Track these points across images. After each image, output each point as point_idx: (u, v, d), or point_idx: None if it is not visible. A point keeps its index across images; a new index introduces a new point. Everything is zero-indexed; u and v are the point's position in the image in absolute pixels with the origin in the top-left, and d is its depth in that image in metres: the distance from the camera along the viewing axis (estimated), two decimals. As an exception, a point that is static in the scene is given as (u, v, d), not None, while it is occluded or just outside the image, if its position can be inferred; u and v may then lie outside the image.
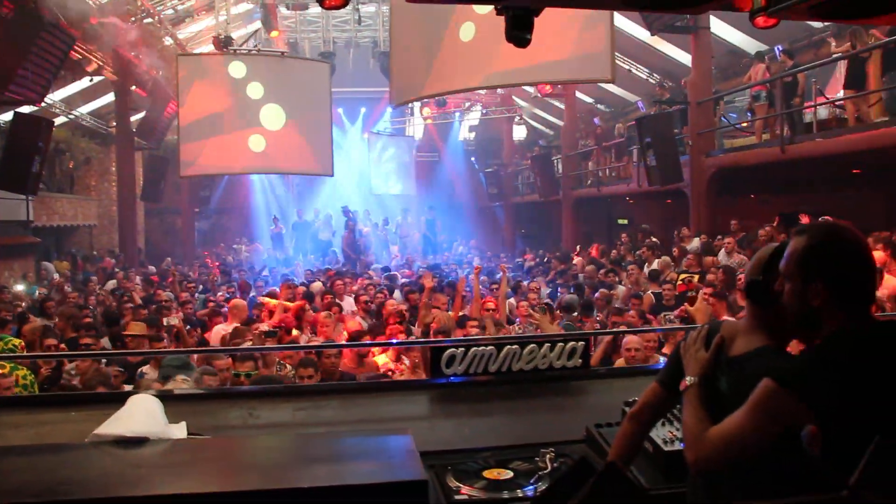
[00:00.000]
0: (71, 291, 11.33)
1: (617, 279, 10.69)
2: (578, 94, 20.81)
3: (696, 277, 8.96)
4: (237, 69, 15.00)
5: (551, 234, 20.68)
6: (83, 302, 10.49)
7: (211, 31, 17.00)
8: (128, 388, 4.99)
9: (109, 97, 19.06)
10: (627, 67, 18.92)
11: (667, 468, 2.61)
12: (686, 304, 5.35)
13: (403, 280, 11.80)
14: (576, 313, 7.64)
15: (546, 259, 15.39)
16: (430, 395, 3.47)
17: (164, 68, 16.76)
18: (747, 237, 10.99)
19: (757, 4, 2.72)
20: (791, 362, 1.89)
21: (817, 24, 13.67)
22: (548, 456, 2.74)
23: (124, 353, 6.35)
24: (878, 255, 7.70)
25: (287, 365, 5.60)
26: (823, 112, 11.19)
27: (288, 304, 8.13)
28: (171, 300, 9.60)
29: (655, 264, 10.89)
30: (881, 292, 6.80)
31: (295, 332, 7.26)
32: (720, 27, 14.79)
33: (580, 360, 3.50)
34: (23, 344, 6.56)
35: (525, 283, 10.34)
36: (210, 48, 15.82)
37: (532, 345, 3.46)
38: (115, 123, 19.33)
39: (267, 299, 8.81)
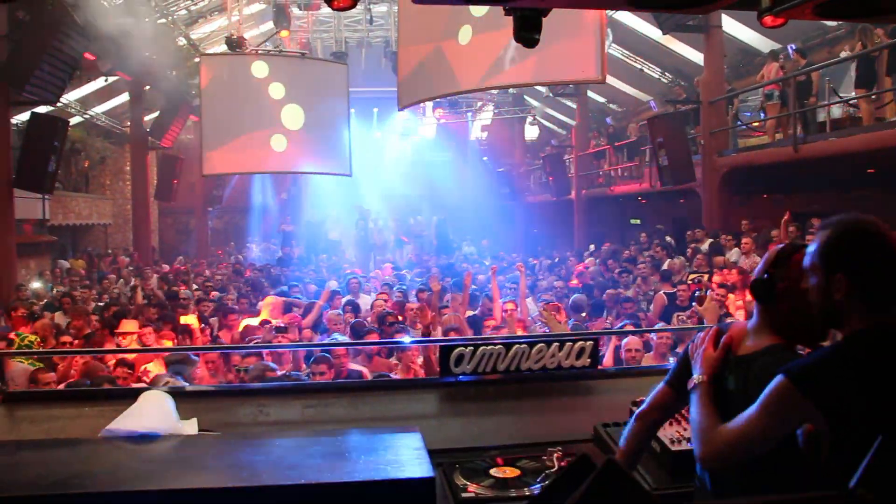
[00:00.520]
0: (86, 289, 11.43)
1: (630, 278, 10.66)
2: (591, 94, 20.78)
3: (707, 277, 8.94)
4: (259, 69, 15.13)
5: (563, 233, 20.63)
6: (99, 300, 10.59)
7: (224, 32, 17.10)
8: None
9: (124, 97, 19.21)
10: (640, 67, 18.88)
11: (674, 468, 2.62)
12: (695, 303, 5.35)
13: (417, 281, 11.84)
14: (584, 313, 7.65)
15: (558, 259, 15.38)
16: (439, 393, 3.49)
17: (178, 68, 16.87)
18: (760, 237, 10.94)
19: (764, 4, 2.73)
20: (806, 360, 1.87)
21: (831, 23, 13.58)
22: (555, 455, 2.76)
23: (134, 350, 6.41)
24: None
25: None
26: (837, 111, 11.13)
27: None
28: (189, 298, 9.69)
29: (667, 264, 10.87)
30: None
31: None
32: (732, 26, 14.72)
33: (588, 360, 3.50)
34: (38, 340, 6.64)
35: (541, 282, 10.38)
36: (223, 48, 15.90)
37: (540, 344, 3.47)
38: (129, 123, 19.48)
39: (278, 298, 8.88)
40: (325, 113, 15.77)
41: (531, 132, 24.66)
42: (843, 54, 11.23)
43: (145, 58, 14.65)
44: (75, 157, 19.29)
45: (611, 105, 22.79)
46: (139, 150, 18.76)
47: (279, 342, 6.27)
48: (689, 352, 2.26)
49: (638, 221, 20.32)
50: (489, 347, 3.42)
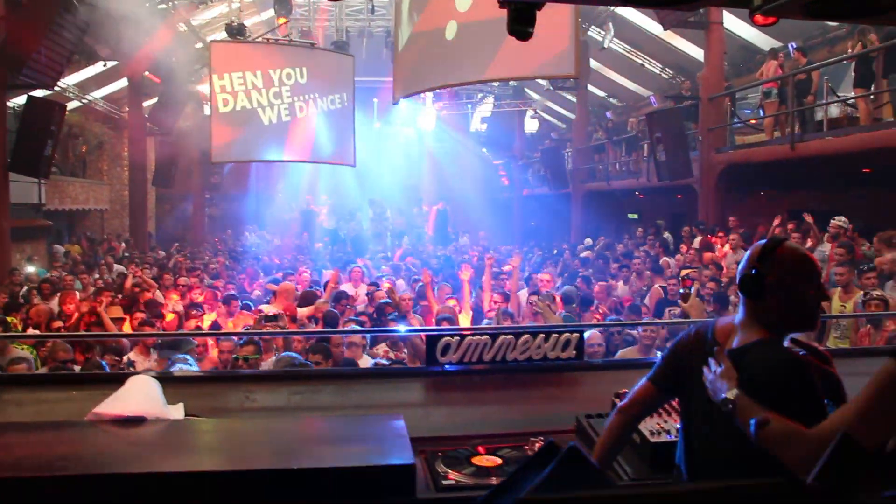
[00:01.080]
0: (82, 274, 11.43)
1: (627, 273, 10.69)
2: (591, 88, 20.78)
3: (700, 273, 8.96)
4: (268, 58, 15.23)
5: (561, 227, 20.65)
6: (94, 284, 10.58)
7: (224, 18, 17.07)
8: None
9: (122, 82, 19.16)
10: (640, 62, 18.88)
11: (653, 459, 2.65)
12: (680, 300, 5.36)
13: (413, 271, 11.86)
14: (574, 304, 7.69)
15: (556, 252, 15.42)
16: (425, 382, 3.52)
17: (178, 55, 16.83)
18: (748, 234, 10.98)
19: (755, 2, 2.74)
20: None
21: (832, 23, 13.58)
22: (537, 444, 2.79)
23: (126, 334, 6.43)
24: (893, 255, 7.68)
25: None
26: (835, 110, 11.15)
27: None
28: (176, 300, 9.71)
29: (662, 262, 10.90)
30: None
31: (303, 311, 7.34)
32: (733, 22, 14.71)
33: (574, 352, 3.53)
34: (15, 322, 6.67)
35: (537, 274, 10.39)
36: (223, 35, 15.89)
37: (526, 335, 3.50)
38: (127, 109, 19.45)
39: (272, 286, 8.90)
40: (333, 103, 16.00)
41: (531, 125, 24.64)
42: (846, 53, 11.24)
43: (145, 43, 14.63)
44: (73, 142, 19.28)
45: (611, 99, 22.79)
46: (137, 136, 18.73)
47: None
48: (676, 353, 2.29)
49: (635, 216, 20.35)
50: (475, 338, 3.45)
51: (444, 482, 2.50)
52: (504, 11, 3.01)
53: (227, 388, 3.41)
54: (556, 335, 3.52)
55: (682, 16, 12.58)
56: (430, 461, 2.65)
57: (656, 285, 9.16)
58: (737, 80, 15.75)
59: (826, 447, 1.65)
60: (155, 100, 18.62)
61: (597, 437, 2.88)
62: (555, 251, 15.59)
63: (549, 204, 21.91)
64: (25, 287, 10.29)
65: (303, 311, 7.36)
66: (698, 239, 11.62)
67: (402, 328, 6.49)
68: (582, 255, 13.48)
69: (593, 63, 19.56)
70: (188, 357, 4.89)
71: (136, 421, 2.57)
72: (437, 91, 19.53)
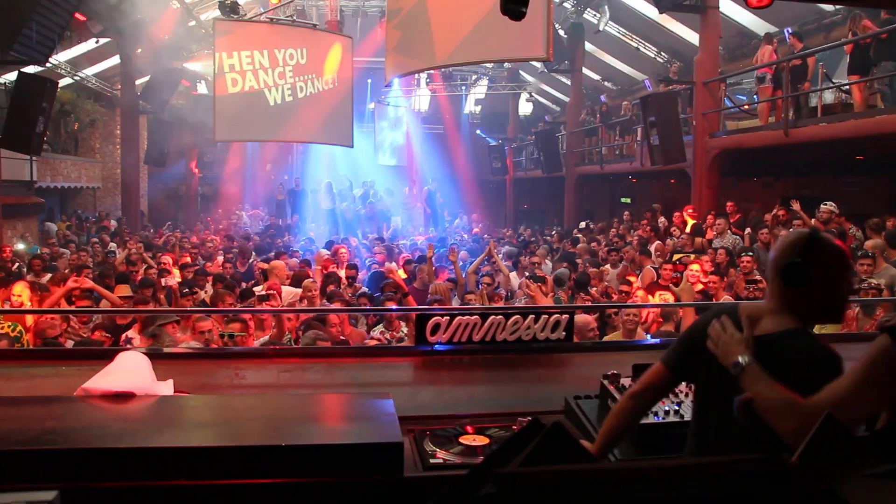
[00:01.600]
0: (74, 252, 11.40)
1: (618, 256, 10.72)
2: (585, 71, 20.70)
3: (693, 257, 9.00)
4: (272, 38, 15.21)
5: (553, 210, 20.67)
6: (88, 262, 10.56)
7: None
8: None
9: (115, 60, 19.00)
10: (636, 46, 18.80)
11: (639, 441, 2.67)
12: (671, 285, 5.37)
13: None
14: (566, 287, 7.72)
15: (550, 234, 15.48)
16: (415, 362, 3.53)
17: (171, 32, 16.70)
18: (745, 219, 11.01)
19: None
20: None
21: (828, 8, 13.56)
22: (525, 424, 2.80)
23: (113, 311, 6.42)
24: (877, 242, 7.72)
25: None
26: (829, 96, 11.14)
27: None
28: (170, 263, 9.70)
29: (656, 244, 10.94)
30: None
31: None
32: (729, 7, 14.66)
33: (564, 333, 3.54)
34: (21, 302, 6.62)
35: (525, 258, 10.42)
36: (216, 14, 15.77)
37: (516, 316, 3.51)
38: (119, 86, 19.30)
39: (263, 264, 8.91)
40: (332, 84, 16.00)
41: (525, 107, 24.58)
42: (841, 40, 11.23)
43: (137, 20, 14.49)
44: (65, 120, 19.13)
45: (606, 83, 22.72)
46: (130, 114, 18.60)
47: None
48: (694, 337, 2.25)
49: (628, 200, 20.37)
50: (465, 318, 3.45)
51: (432, 461, 2.51)
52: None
53: (216, 366, 3.42)
54: (546, 316, 3.52)
55: (678, -1, 12.58)
56: (418, 440, 2.66)
57: (647, 266, 9.19)
58: (732, 64, 15.73)
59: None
60: (147, 77, 18.47)
61: (585, 417, 2.90)
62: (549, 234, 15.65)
63: (542, 187, 21.92)
64: (17, 264, 10.24)
65: (287, 292, 7.36)
66: (689, 224, 11.66)
67: (391, 307, 6.49)
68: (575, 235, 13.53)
69: (588, 46, 19.50)
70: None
71: (126, 397, 2.57)
72: (431, 72, 19.51)
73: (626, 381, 2.96)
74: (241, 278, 9.11)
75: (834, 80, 11.17)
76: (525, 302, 6.65)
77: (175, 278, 8.72)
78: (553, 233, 15.69)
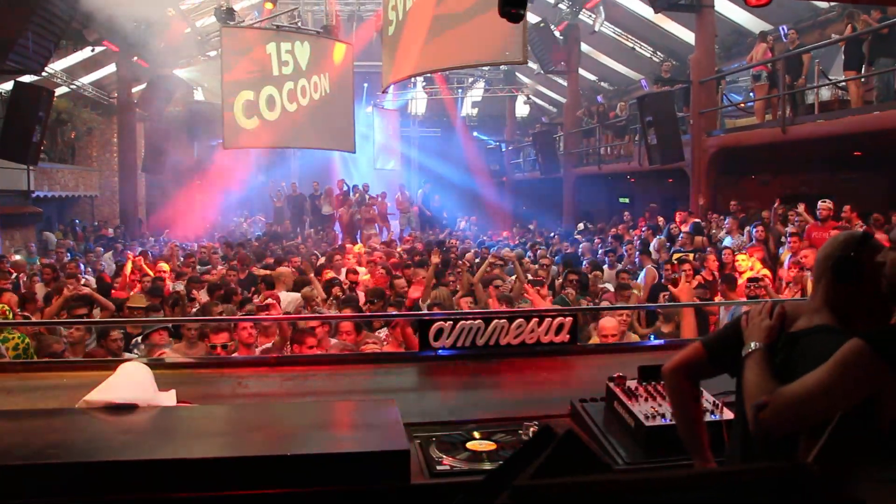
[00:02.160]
0: (69, 261, 11.35)
1: (616, 257, 10.72)
2: (582, 72, 20.71)
3: (692, 256, 8.98)
4: (278, 45, 15.37)
5: (552, 211, 20.64)
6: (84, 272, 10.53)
7: (213, 2, 16.90)
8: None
9: (111, 68, 18.99)
10: (631, 46, 18.82)
11: (647, 444, 2.64)
12: (670, 285, 5.35)
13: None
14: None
15: (552, 235, 15.47)
16: (418, 367, 3.51)
17: (167, 39, 16.69)
18: (749, 218, 11.01)
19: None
20: (884, 329, 1.85)
21: (823, 5, 13.57)
22: (531, 429, 2.77)
23: (108, 322, 6.38)
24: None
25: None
26: (826, 93, 11.14)
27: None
28: (167, 271, 9.68)
29: (655, 243, 10.93)
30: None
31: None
32: (725, 6, 14.68)
33: (567, 336, 3.52)
34: (3, 309, 6.59)
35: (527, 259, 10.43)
36: (212, 21, 15.78)
37: (520, 319, 3.49)
38: (116, 94, 19.28)
39: (262, 271, 8.88)
40: (334, 90, 16.21)
41: (522, 109, 24.59)
42: (835, 36, 11.24)
43: (133, 28, 14.49)
44: (61, 128, 19.09)
45: (602, 83, 22.73)
46: (126, 122, 18.59)
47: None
48: (741, 324, 2.20)
49: (627, 200, 20.35)
50: (468, 322, 3.43)
51: (439, 467, 2.49)
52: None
53: (218, 375, 3.39)
54: (550, 319, 3.50)
55: (673, -1, 12.59)
56: (424, 446, 2.64)
57: (649, 265, 9.18)
58: (728, 63, 15.73)
59: (788, 409, 1.77)
60: (144, 85, 18.46)
61: (591, 421, 2.88)
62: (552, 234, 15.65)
63: (540, 188, 21.89)
64: (15, 275, 10.20)
65: (286, 298, 7.33)
66: (690, 222, 11.65)
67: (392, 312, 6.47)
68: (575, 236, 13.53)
69: (584, 47, 19.50)
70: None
71: (128, 408, 2.55)
72: (427, 76, 19.59)
73: (631, 384, 2.94)
74: (240, 286, 9.08)
75: (830, 77, 11.17)
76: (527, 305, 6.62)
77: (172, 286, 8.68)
78: (553, 235, 15.67)
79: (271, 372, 3.44)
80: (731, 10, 15.13)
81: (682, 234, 10.49)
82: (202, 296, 8.14)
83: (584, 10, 17.83)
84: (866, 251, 2.03)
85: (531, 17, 16.45)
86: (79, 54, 17.56)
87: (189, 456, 2.21)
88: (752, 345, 2.05)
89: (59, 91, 16.72)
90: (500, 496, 1.01)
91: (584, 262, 10.12)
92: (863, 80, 10.25)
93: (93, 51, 17.01)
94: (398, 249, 12.73)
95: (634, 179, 18.76)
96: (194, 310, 7.46)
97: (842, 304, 2.06)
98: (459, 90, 24.69)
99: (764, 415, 1.81)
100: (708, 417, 2.55)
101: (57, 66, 17.20)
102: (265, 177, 23.94)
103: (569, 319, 3.53)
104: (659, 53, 18.69)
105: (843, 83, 10.70)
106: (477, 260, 10.65)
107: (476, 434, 2.78)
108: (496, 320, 3.48)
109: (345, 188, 20.85)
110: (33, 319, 6.82)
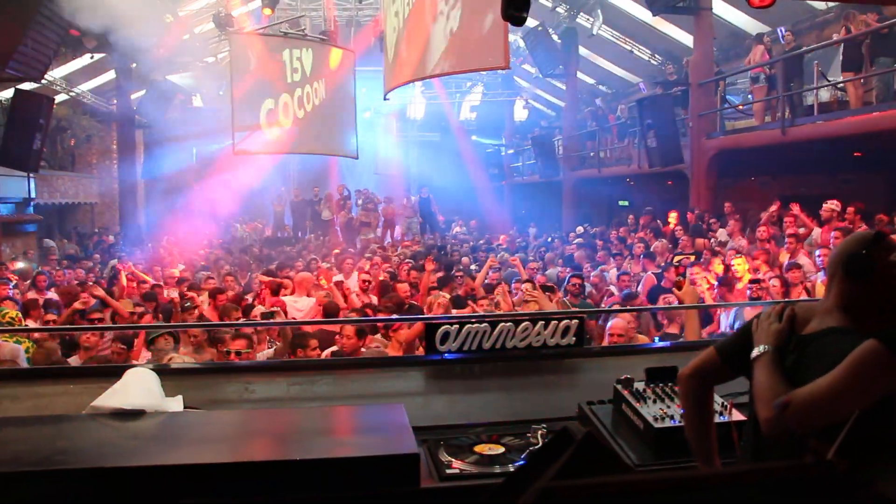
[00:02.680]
0: (71, 268, 11.36)
1: (615, 260, 10.71)
2: (580, 75, 20.73)
3: (693, 258, 8.97)
4: (284, 51, 15.47)
5: (552, 215, 20.64)
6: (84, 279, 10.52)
7: (211, 10, 16.95)
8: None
9: (110, 75, 18.99)
10: (629, 48, 18.83)
11: (657, 445, 2.64)
12: (674, 288, 5.34)
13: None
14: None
15: (552, 239, 15.46)
16: (425, 371, 3.50)
17: (165, 46, 16.68)
18: (745, 219, 11.00)
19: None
20: None
21: (821, 6, 13.59)
22: (539, 432, 2.77)
23: (115, 327, 6.40)
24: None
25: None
26: (825, 94, 11.15)
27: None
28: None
29: (654, 247, 10.91)
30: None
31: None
32: (722, 8, 14.69)
33: (574, 339, 3.52)
34: (20, 316, 6.59)
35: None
36: (210, 27, 15.79)
37: (526, 322, 3.48)
38: (115, 101, 19.28)
39: (265, 278, 8.84)
40: (337, 96, 16.29)
41: (520, 113, 24.60)
42: (836, 37, 11.24)
43: (131, 34, 14.48)
44: (61, 135, 19.09)
45: (600, 86, 22.74)
46: (126, 128, 18.59)
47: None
48: (752, 327, 2.20)
49: (626, 203, 20.34)
50: (475, 325, 3.43)
51: (448, 471, 2.48)
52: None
53: (225, 380, 3.38)
54: (556, 322, 3.50)
55: (670, 1, 12.59)
56: (433, 450, 2.64)
57: (649, 272, 9.16)
58: (726, 65, 15.74)
59: (808, 409, 1.75)
60: (143, 92, 18.46)
61: (600, 423, 2.87)
62: (550, 238, 15.64)
63: (539, 192, 21.90)
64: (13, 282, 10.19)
65: (296, 305, 7.33)
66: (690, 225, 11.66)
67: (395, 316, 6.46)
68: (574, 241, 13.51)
69: (582, 50, 19.52)
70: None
71: (135, 414, 2.55)
72: (426, 80, 19.60)
73: (639, 386, 2.93)
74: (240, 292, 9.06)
75: (829, 78, 11.18)
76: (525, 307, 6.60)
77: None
78: (552, 238, 15.67)
79: (277, 377, 3.43)
80: (729, 12, 15.14)
81: (682, 237, 10.49)
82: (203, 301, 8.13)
83: (581, 13, 17.85)
84: (879, 249, 2.02)
85: (529, 22, 16.44)
86: (78, 61, 17.56)
87: (198, 461, 2.20)
88: (761, 348, 2.04)
89: (58, 98, 16.71)
90: (521, 498, 1.00)
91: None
92: (861, 81, 10.26)
93: (91, 58, 17.02)
94: (395, 255, 12.70)
95: (634, 182, 18.76)
96: (195, 316, 7.46)
97: (854, 303, 2.05)
98: (458, 94, 24.72)
99: (787, 413, 1.80)
100: (717, 419, 2.54)
101: (56, 73, 17.18)
102: (264, 182, 23.95)
103: (575, 322, 3.52)
104: (657, 56, 18.71)
105: (842, 84, 10.71)
106: (473, 266, 10.67)
107: (484, 437, 2.78)
108: (502, 324, 3.47)
109: (345, 192, 20.86)
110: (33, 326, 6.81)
